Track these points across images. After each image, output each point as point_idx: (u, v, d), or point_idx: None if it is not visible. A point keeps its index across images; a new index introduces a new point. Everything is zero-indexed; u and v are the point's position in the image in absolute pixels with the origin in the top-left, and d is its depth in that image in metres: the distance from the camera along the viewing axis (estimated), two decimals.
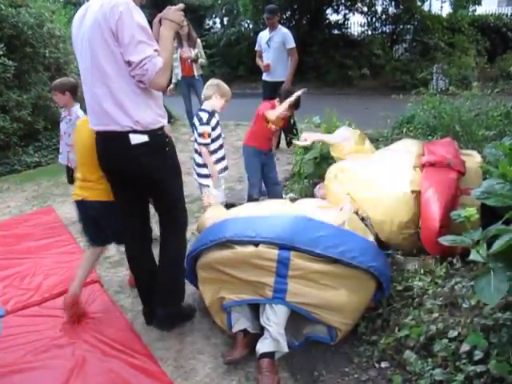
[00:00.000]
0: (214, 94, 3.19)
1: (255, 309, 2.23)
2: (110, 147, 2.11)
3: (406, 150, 2.93)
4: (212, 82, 3.34)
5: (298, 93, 3.43)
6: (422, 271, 2.48)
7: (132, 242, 2.39)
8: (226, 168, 3.35)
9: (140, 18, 1.93)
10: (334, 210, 2.64)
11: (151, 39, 1.97)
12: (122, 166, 2.13)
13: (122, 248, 3.41)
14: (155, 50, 1.95)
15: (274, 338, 2.01)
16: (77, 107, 3.43)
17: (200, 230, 2.65)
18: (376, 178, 2.81)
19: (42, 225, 3.89)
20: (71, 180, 3.91)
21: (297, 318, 2.16)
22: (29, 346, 2.33)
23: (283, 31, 5.29)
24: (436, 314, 2.05)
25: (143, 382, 2.03)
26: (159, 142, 2.15)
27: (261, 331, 2.13)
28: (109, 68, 1.96)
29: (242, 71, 12.96)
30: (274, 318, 2.05)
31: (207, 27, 14.84)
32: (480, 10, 13.12)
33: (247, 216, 2.43)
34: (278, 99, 3.56)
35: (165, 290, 2.33)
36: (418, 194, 2.63)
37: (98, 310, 2.60)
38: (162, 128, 2.15)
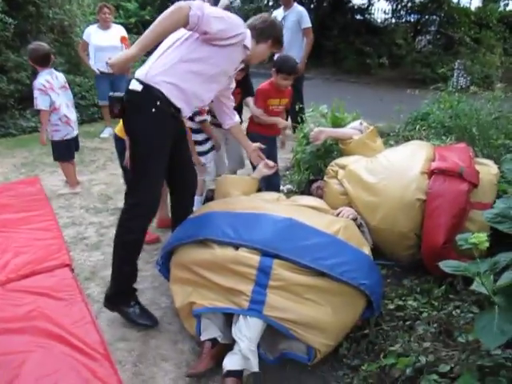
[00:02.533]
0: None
1: (229, 316, 2.01)
2: None
3: (415, 153, 2.64)
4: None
5: (283, 125, 3.46)
6: (419, 289, 2.27)
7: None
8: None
9: None
10: (329, 214, 2.40)
11: None
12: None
13: (101, 230, 3.24)
14: None
15: (243, 354, 1.78)
16: (42, 74, 3.61)
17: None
18: (379, 182, 2.54)
19: (24, 196, 3.68)
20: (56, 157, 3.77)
21: (274, 331, 1.94)
22: None
23: (298, 9, 4.98)
24: (428, 344, 1.82)
25: None
26: (148, 100, 2.03)
27: (232, 342, 1.91)
28: None
29: None
30: (247, 332, 1.82)
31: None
32: None
33: (230, 211, 2.18)
34: (273, 69, 3.26)
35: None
36: (422, 203, 2.39)
37: (62, 297, 2.39)
38: (165, 101, 2.05)
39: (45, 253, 2.83)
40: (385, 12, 12.62)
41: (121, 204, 3.41)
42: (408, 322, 2.01)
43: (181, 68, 2.05)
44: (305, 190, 3.19)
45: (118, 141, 2.99)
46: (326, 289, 1.89)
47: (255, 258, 1.89)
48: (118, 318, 2.24)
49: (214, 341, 1.96)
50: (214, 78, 2.17)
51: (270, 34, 2.33)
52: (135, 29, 8.42)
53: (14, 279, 2.57)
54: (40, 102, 3.54)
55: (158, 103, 2.03)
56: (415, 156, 2.60)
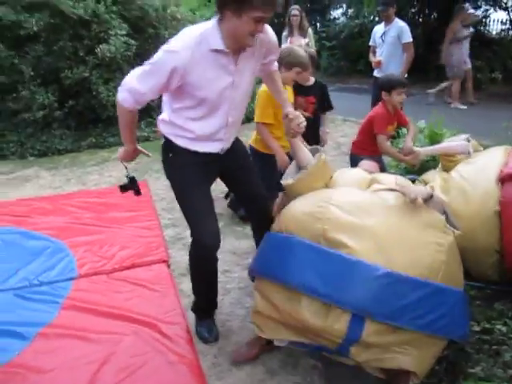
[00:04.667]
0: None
1: None
2: None
3: (487, 162, 2.49)
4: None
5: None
6: (510, 314, 2.12)
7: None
8: None
9: None
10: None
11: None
12: None
13: None
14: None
15: None
16: None
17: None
18: (452, 201, 2.37)
19: (132, 197, 4.04)
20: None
21: None
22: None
23: (400, 25, 4.91)
24: None
25: (178, 372, 2.01)
26: (166, 147, 2.12)
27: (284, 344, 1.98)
28: None
29: (362, 65, 12.37)
30: None
31: (331, 18, 14.49)
32: None
33: (318, 246, 1.81)
34: (383, 92, 3.23)
35: None
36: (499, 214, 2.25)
37: (157, 289, 2.65)
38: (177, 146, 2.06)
39: (146, 249, 3.14)
40: (502, 22, 11.78)
41: (221, 210, 3.67)
42: (494, 347, 1.90)
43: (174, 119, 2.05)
44: None
45: (256, 155, 3.03)
46: (416, 338, 1.74)
47: (344, 324, 1.69)
48: None
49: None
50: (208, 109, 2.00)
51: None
52: None
53: (117, 270, 2.89)
54: None
55: (171, 154, 2.11)
56: (488, 164, 2.45)
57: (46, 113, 5.91)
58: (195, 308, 2.36)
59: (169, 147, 2.09)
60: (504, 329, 1.99)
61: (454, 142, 2.84)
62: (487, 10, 11.63)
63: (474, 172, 2.49)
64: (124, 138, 2.11)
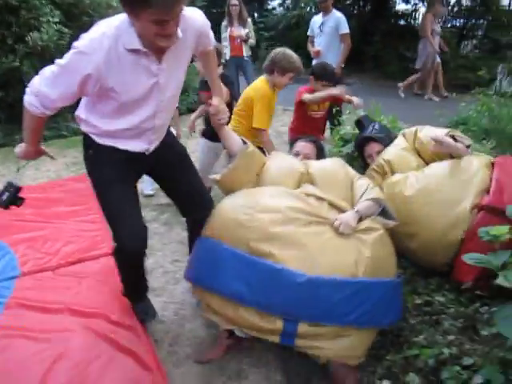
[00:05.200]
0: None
1: None
2: None
3: (467, 179, 2.26)
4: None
5: (338, 91, 3.25)
6: (447, 286, 2.28)
7: None
8: None
9: None
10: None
11: None
12: None
13: None
14: None
15: None
16: None
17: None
18: (421, 209, 2.28)
19: (74, 191, 3.95)
20: None
21: None
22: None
23: (337, 15, 5.05)
24: (452, 337, 1.86)
25: (134, 362, 1.99)
26: (86, 143, 1.96)
27: (247, 336, 1.96)
28: None
29: (300, 56, 12.63)
30: None
31: (268, 8, 14.55)
32: None
33: (245, 255, 1.86)
34: (311, 76, 3.33)
35: None
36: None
37: (105, 282, 2.59)
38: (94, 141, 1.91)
39: (91, 243, 3.06)
40: None
41: (163, 200, 3.62)
42: (434, 317, 2.03)
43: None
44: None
45: None
46: (348, 329, 1.84)
47: (278, 326, 1.80)
48: (155, 302, 2.39)
49: (231, 332, 2.01)
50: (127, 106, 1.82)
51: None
52: None
53: (63, 265, 2.80)
54: None
55: (90, 151, 1.96)
56: (468, 183, 2.23)
57: None
58: (125, 293, 2.29)
59: (88, 144, 1.93)
60: (443, 299, 2.13)
61: (459, 144, 2.46)
62: (416, 4, 12.22)
63: (450, 185, 2.27)
64: (26, 139, 1.90)
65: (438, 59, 7.59)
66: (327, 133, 5.23)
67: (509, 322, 1.45)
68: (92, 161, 1.97)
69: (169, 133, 2.14)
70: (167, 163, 2.10)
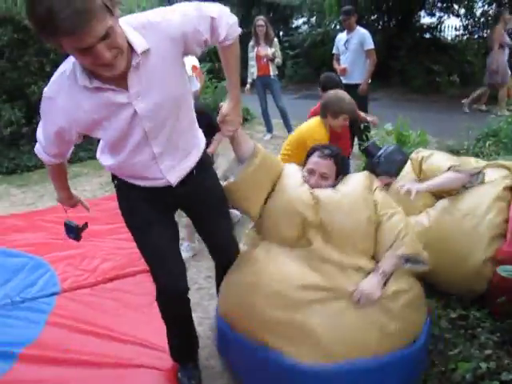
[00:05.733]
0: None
1: None
2: None
3: (479, 222, 2.16)
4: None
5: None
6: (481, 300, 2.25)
7: None
8: None
9: None
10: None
11: None
12: None
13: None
14: None
15: None
16: None
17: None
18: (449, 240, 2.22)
19: (109, 210, 4.06)
20: None
21: None
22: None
23: (361, 32, 5.11)
24: (489, 351, 1.84)
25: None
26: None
27: None
28: None
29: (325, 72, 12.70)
30: None
31: (293, 27, 14.76)
32: None
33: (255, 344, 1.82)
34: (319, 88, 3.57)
35: None
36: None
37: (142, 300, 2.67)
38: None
39: (128, 260, 3.15)
40: (455, 28, 12.35)
41: None
42: (470, 331, 2.03)
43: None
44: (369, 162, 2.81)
45: None
46: None
47: None
48: None
49: None
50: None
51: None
52: (207, 57, 8.87)
53: (101, 282, 2.90)
54: None
55: (115, 181, 1.83)
56: (476, 231, 2.14)
57: (14, 129, 5.80)
58: (173, 353, 2.11)
59: (113, 175, 1.80)
60: (478, 314, 2.12)
61: (451, 176, 2.30)
62: (441, 17, 12.18)
63: (456, 240, 2.18)
64: (54, 186, 1.93)
65: (510, 72, 7.08)
66: (355, 148, 5.30)
67: None
68: (119, 190, 1.83)
69: (211, 175, 1.94)
70: (202, 204, 1.91)
